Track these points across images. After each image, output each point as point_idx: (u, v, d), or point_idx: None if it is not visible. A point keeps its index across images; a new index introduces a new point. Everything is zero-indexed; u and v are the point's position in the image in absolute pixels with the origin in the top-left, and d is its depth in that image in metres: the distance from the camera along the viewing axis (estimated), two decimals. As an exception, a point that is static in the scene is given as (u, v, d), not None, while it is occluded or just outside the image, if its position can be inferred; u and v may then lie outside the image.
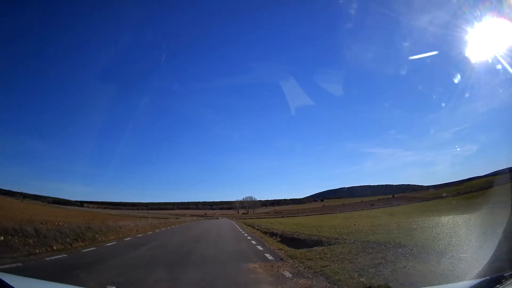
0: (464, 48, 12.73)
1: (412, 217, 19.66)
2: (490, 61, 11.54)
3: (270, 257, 8.12)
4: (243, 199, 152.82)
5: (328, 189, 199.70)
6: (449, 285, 3.99)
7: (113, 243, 12.34)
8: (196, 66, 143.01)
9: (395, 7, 34.36)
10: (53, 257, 8.06)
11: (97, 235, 13.52)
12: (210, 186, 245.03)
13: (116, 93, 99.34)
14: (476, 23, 10.14)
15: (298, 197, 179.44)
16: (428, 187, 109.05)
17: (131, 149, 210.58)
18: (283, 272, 6.09)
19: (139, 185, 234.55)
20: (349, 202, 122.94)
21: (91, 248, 10.28)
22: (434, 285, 4.16)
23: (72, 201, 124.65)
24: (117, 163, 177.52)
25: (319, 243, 9.92)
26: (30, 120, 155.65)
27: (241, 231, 21.06)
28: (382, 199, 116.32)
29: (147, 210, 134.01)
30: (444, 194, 64.55)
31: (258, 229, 22.34)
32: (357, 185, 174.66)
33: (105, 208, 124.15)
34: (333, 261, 6.52)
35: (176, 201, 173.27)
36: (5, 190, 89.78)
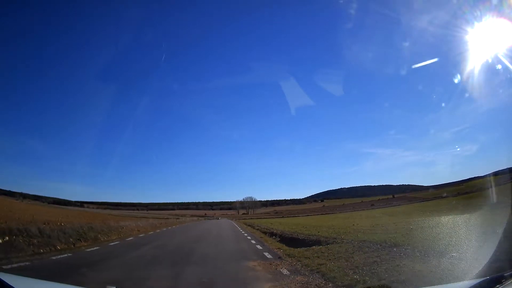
0: (464, 48, 12.80)
1: (411, 217, 19.70)
2: (490, 61, 11.45)
3: (269, 256, 8.35)
4: (243, 199, 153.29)
5: (328, 189, 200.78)
6: (449, 285, 4.03)
7: (116, 242, 12.56)
8: (196, 66, 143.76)
9: (395, 7, 34.57)
10: (59, 256, 8.26)
11: (99, 235, 13.72)
12: (210, 186, 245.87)
13: (116, 93, 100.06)
14: (476, 23, 10.12)
15: (298, 198, 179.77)
16: (428, 187, 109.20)
17: (131, 149, 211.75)
18: (281, 269, 6.32)
19: (139, 185, 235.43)
20: (349, 203, 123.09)
21: (95, 248, 10.49)
22: (434, 285, 4.18)
23: (72, 201, 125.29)
24: (117, 163, 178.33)
25: (317, 242, 10.11)
26: (30, 120, 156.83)
27: (241, 231, 21.25)
28: (382, 199, 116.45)
29: (147, 211, 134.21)
30: (444, 194, 64.55)
31: (258, 229, 22.53)
32: (358, 185, 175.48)
33: (105, 208, 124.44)
34: (330, 259, 6.72)
35: (176, 202, 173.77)
36: (5, 190, 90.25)
